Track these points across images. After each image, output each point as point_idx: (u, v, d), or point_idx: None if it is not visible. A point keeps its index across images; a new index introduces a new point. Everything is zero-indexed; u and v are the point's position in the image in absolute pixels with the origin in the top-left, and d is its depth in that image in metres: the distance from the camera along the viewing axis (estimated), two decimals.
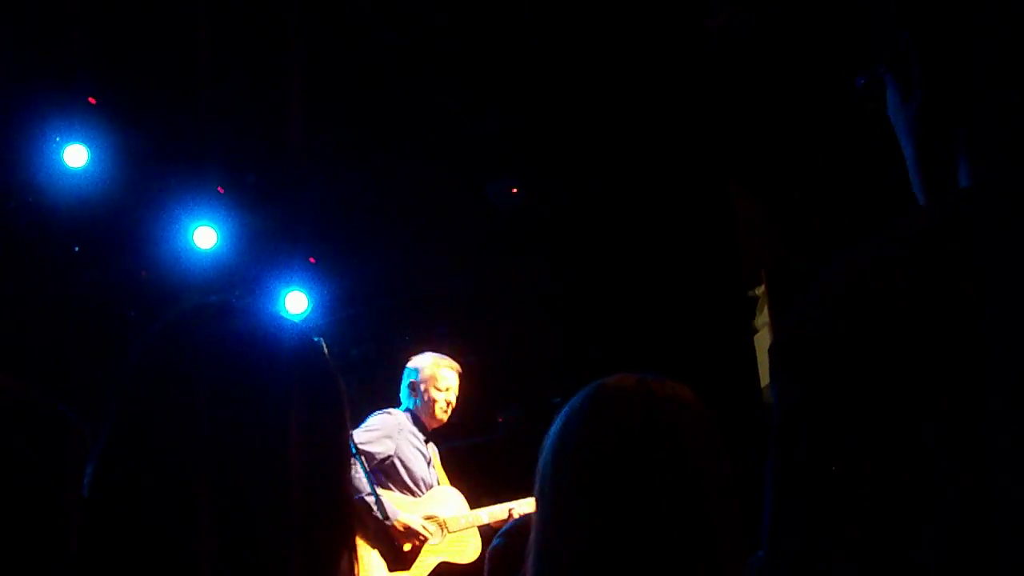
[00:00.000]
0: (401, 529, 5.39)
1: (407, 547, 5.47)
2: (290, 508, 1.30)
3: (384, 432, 5.62)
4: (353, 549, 1.38)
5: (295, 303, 7.03)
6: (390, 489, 5.55)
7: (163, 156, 6.44)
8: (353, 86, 6.21)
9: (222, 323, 1.38)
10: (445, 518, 5.65)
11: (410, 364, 5.94)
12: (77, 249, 6.53)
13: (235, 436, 1.30)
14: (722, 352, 6.52)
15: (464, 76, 6.20)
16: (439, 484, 5.85)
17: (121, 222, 6.54)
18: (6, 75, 5.70)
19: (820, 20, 5.03)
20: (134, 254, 6.69)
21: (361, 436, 5.48)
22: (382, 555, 5.43)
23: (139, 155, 6.37)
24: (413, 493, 5.66)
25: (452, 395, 5.85)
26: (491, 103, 6.45)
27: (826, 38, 4.94)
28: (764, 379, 6.38)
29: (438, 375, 5.83)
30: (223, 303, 1.42)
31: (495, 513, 5.71)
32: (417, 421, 5.82)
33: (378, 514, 5.29)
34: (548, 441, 1.70)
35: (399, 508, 5.45)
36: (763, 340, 6.60)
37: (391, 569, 5.44)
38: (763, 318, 6.66)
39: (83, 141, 6.19)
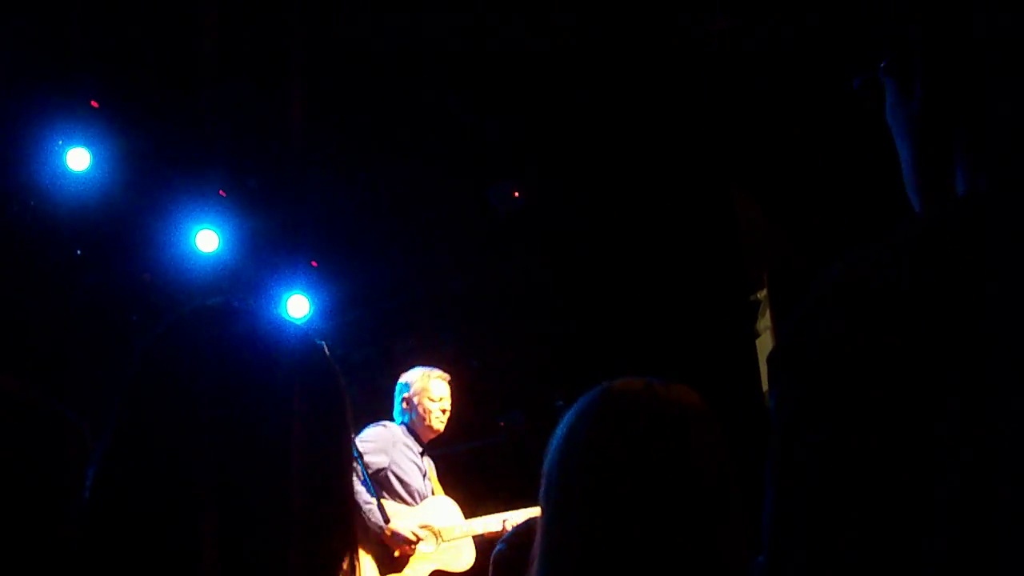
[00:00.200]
0: (392, 536, 5.42)
1: (397, 553, 5.50)
2: (292, 510, 1.30)
3: (379, 445, 5.65)
4: (355, 552, 1.38)
5: (297, 307, 7.04)
6: (385, 499, 5.57)
7: (165, 159, 6.44)
8: (355, 90, 6.22)
9: (224, 325, 1.38)
10: (439, 528, 5.68)
11: (401, 379, 5.98)
12: (79, 252, 6.53)
13: (237, 438, 1.30)
14: (724, 356, 6.52)
15: (466, 80, 6.20)
16: (434, 495, 5.89)
17: (123, 225, 6.54)
18: (9, 78, 5.71)
19: (822, 25, 5.03)
20: (136, 257, 6.69)
21: (356, 448, 5.49)
22: (375, 560, 5.45)
23: (141, 158, 6.38)
24: (408, 504, 5.68)
25: (446, 403, 5.89)
26: (493, 107, 6.45)
27: (828, 43, 4.94)
28: (766, 383, 6.37)
29: (429, 386, 5.87)
30: (224, 305, 1.42)
31: (489, 524, 5.75)
32: (412, 434, 5.86)
33: (374, 519, 5.32)
34: (554, 444, 1.70)
35: (394, 516, 5.47)
36: (765, 344, 6.61)
37: (382, 574, 5.46)
38: (765, 322, 6.66)
39: (86, 144, 6.19)
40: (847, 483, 0.92)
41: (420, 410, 5.82)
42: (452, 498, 5.94)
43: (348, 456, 1.45)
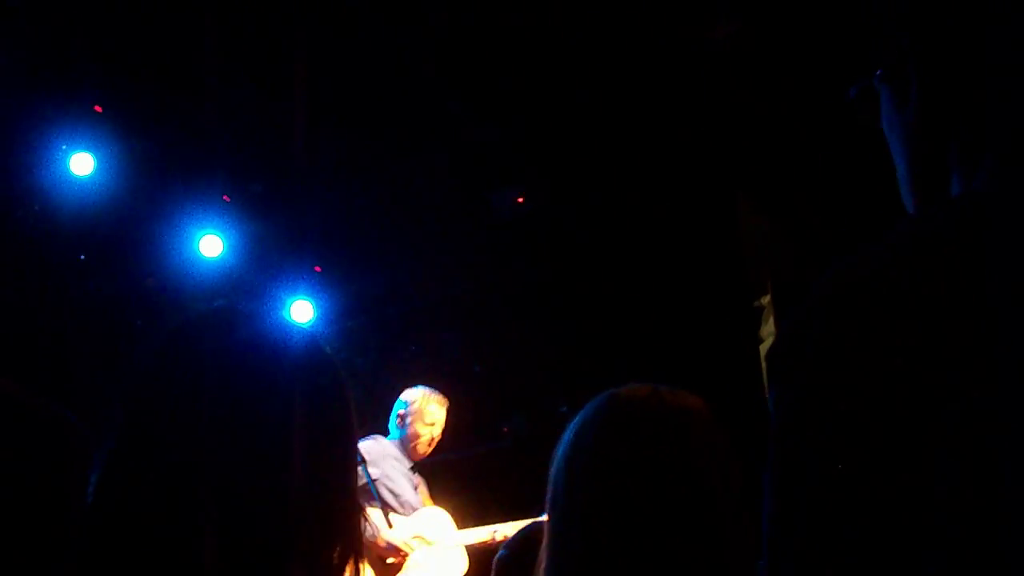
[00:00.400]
0: (386, 545, 5.48)
1: (391, 561, 5.56)
2: (295, 515, 1.30)
3: (370, 457, 5.71)
4: (360, 557, 1.38)
5: (300, 312, 7.04)
6: (375, 507, 5.60)
7: (169, 164, 6.44)
8: (359, 96, 6.22)
9: (228, 329, 1.37)
10: (432, 538, 5.71)
11: (402, 396, 6.07)
12: (83, 257, 6.53)
13: (240, 442, 1.30)
14: (728, 362, 6.52)
15: (469, 86, 6.20)
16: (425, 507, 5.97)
17: (127, 230, 6.55)
18: (12, 83, 5.71)
19: (824, 32, 5.03)
20: (140, 262, 6.70)
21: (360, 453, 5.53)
22: (369, 564, 5.49)
23: (145, 163, 6.38)
24: (400, 515, 5.72)
25: (437, 430, 5.99)
26: (496, 113, 6.45)
27: (830, 50, 4.94)
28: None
29: (425, 409, 5.97)
30: (229, 309, 1.42)
31: (480, 534, 5.82)
32: (403, 450, 5.95)
33: (368, 525, 5.34)
34: (560, 450, 1.70)
35: (386, 524, 5.52)
36: None
37: None
38: (769, 328, 6.66)
39: (89, 149, 6.19)
40: (846, 482, 0.92)
41: (411, 430, 5.95)
42: (456, 504, 5.98)
43: (352, 460, 1.45)
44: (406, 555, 5.55)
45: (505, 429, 7.69)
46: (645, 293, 6.88)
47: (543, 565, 1.67)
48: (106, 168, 6.27)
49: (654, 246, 6.84)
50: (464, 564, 5.77)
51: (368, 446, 5.78)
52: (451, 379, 6.20)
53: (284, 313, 6.71)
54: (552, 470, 1.70)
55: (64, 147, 6.14)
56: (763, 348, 6.64)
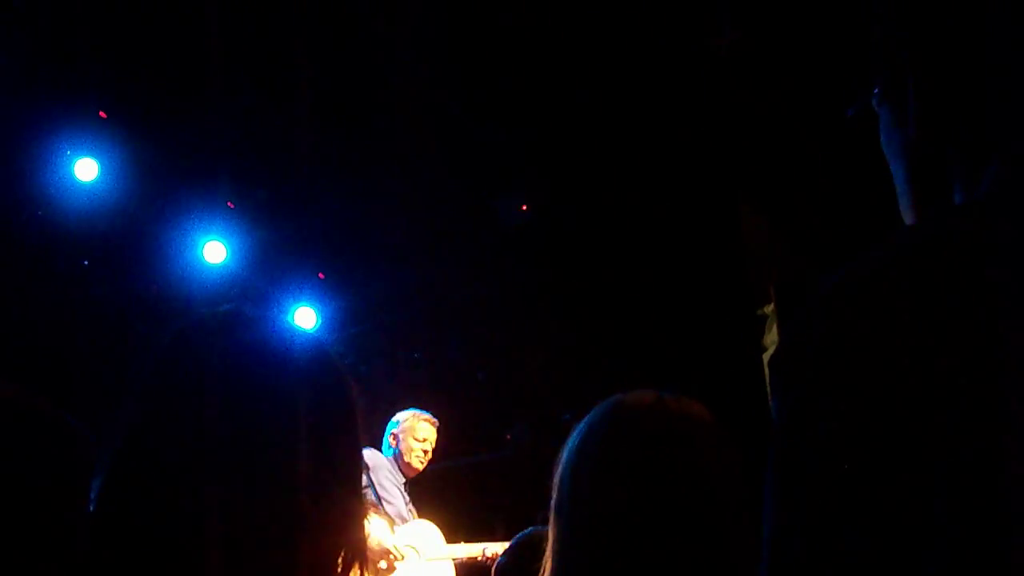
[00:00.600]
0: (377, 549, 5.55)
1: (382, 564, 5.62)
2: (299, 519, 1.30)
3: (368, 465, 5.73)
4: (364, 562, 1.38)
5: (304, 319, 7.05)
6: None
7: (173, 170, 6.45)
8: (363, 103, 6.23)
9: (233, 332, 1.37)
10: (421, 548, 5.79)
11: (393, 418, 6.17)
12: (87, 263, 6.54)
13: (245, 446, 1.29)
14: (731, 370, 6.52)
15: (473, 93, 6.21)
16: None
17: (131, 236, 6.56)
18: (17, 88, 5.72)
19: (826, 38, 5.04)
20: (144, 268, 6.71)
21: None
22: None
23: (149, 169, 6.39)
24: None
25: (428, 446, 6.08)
26: (501, 120, 6.46)
27: (832, 56, 4.94)
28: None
29: (416, 426, 6.07)
30: (235, 312, 1.41)
31: (470, 550, 5.90)
32: (396, 466, 6.03)
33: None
34: (565, 457, 1.70)
35: (378, 531, 5.59)
36: None
37: None
38: (772, 336, 6.66)
39: (94, 155, 6.21)
40: (847, 486, 0.92)
41: (404, 446, 6.03)
42: (456, 512, 6.04)
43: (358, 465, 1.45)
44: (395, 561, 5.60)
45: (508, 436, 7.70)
46: (649, 301, 6.88)
47: (547, 572, 1.66)
48: (110, 174, 6.28)
49: (658, 254, 6.85)
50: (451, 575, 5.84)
51: (367, 454, 5.81)
52: (454, 386, 6.22)
53: (287, 319, 6.72)
54: (557, 476, 1.70)
55: (68, 152, 6.16)
56: (766, 356, 6.64)
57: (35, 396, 1.44)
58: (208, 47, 5.39)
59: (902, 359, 0.92)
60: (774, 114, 5.83)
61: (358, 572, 1.36)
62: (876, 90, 1.20)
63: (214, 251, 6.75)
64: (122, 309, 6.61)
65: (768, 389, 1.03)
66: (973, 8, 1.07)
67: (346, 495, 1.38)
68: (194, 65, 5.53)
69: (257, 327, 1.39)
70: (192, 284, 6.67)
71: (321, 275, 7.30)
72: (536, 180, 7.04)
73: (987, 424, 0.88)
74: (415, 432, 6.03)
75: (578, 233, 7.09)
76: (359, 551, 1.37)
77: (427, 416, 6.12)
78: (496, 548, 5.68)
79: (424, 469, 6.08)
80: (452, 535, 5.95)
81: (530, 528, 2.93)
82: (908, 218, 1.20)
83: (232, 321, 1.40)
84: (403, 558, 5.63)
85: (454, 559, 5.87)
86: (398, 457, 6.02)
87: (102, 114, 6.15)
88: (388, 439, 6.10)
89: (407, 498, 6.02)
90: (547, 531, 1.71)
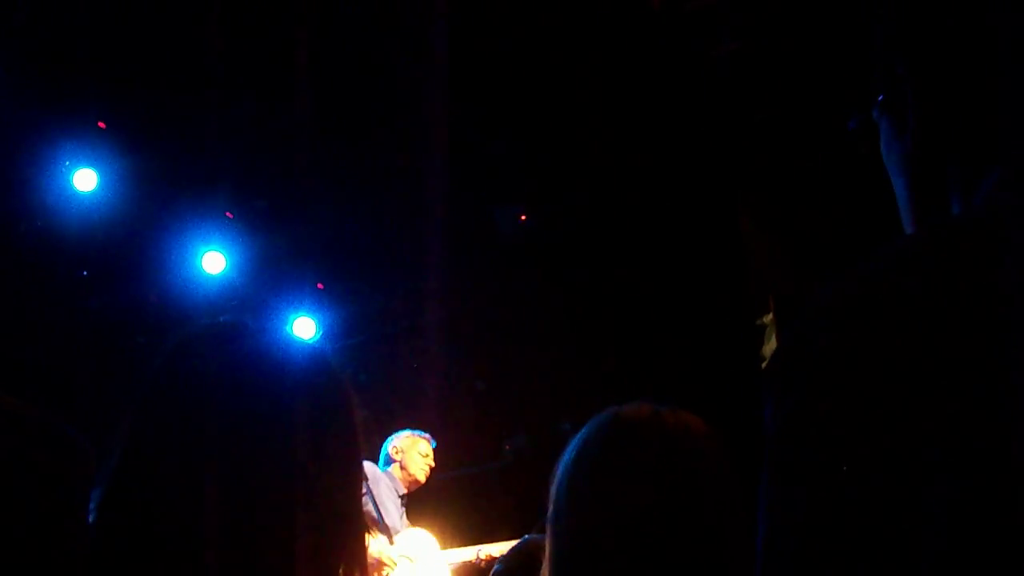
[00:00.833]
0: (375, 560, 5.55)
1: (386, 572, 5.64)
2: (298, 529, 1.30)
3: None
4: (364, 571, 1.38)
5: (304, 329, 7.04)
6: None
7: (172, 181, 6.45)
8: (362, 113, 6.23)
9: (233, 343, 1.38)
10: (416, 556, 5.79)
11: (391, 437, 6.19)
12: (86, 273, 6.54)
13: (244, 457, 1.29)
14: (730, 381, 6.51)
15: (473, 103, 6.21)
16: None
17: (130, 247, 6.56)
18: (16, 99, 5.73)
19: (826, 48, 5.04)
20: (143, 278, 6.71)
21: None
22: None
23: (148, 180, 6.39)
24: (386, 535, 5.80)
25: (431, 460, 6.13)
26: (500, 130, 6.46)
27: (832, 66, 4.95)
28: None
29: (418, 443, 6.13)
30: (235, 323, 1.42)
31: (464, 555, 5.90)
32: (395, 480, 6.05)
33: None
34: (561, 469, 1.70)
35: (375, 541, 5.60)
36: None
37: None
38: (771, 346, 6.65)
39: (93, 165, 6.21)
40: (842, 496, 0.92)
41: (406, 460, 6.06)
42: (455, 522, 6.04)
43: (358, 476, 1.45)
44: (390, 570, 5.61)
45: (507, 446, 7.69)
46: (648, 311, 6.88)
47: None
48: (109, 184, 6.28)
49: (657, 264, 6.85)
50: None
51: (366, 467, 5.83)
52: (453, 396, 6.21)
53: (288, 330, 6.72)
54: (553, 488, 1.70)
55: (68, 163, 6.16)
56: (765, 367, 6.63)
57: (33, 406, 1.43)
58: (207, 57, 5.40)
59: (900, 368, 0.92)
60: (774, 124, 5.83)
61: None
62: (878, 101, 1.20)
63: (213, 261, 6.75)
64: (121, 319, 6.61)
65: (762, 396, 1.02)
66: (972, 20, 1.08)
67: (347, 506, 1.38)
68: (193, 75, 5.54)
69: (257, 338, 1.40)
70: (191, 294, 6.67)
71: (320, 285, 7.30)
72: (535, 190, 7.04)
73: (989, 434, 0.88)
74: (418, 447, 6.08)
75: (577, 243, 7.09)
76: (359, 563, 1.37)
77: (425, 436, 6.17)
78: (490, 550, 5.72)
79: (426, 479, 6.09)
80: (451, 545, 5.96)
81: (527, 536, 2.93)
82: (909, 229, 1.20)
83: (232, 332, 1.40)
84: (394, 566, 5.64)
85: (449, 564, 5.88)
86: (396, 472, 6.04)
87: (101, 124, 6.16)
88: (389, 451, 6.11)
89: (403, 511, 6.03)
90: (544, 539, 1.71)
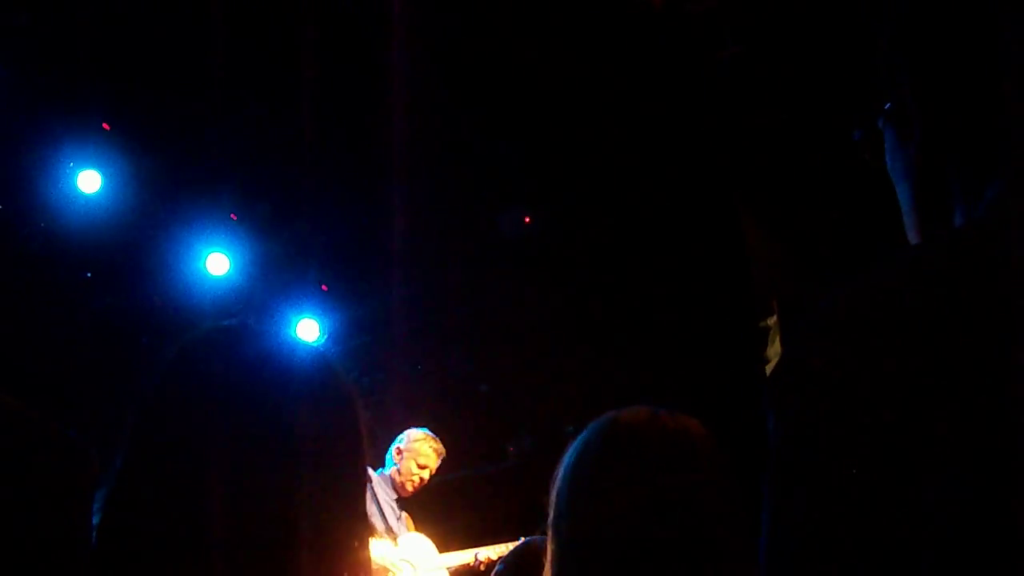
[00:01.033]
0: (377, 567, 5.56)
1: None
2: (302, 533, 1.30)
3: None
4: (368, 574, 1.38)
5: (307, 331, 7.04)
6: None
7: (176, 183, 6.46)
8: (366, 115, 6.24)
9: (237, 346, 1.38)
10: (415, 561, 5.80)
11: (403, 432, 6.11)
12: (90, 275, 6.55)
13: (248, 461, 1.30)
14: (733, 383, 6.51)
15: (476, 106, 6.22)
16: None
17: (134, 248, 6.56)
18: (21, 101, 5.73)
19: (828, 52, 5.04)
20: (147, 280, 6.71)
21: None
22: None
23: (152, 181, 6.40)
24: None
25: (427, 473, 6.01)
26: (503, 133, 6.46)
27: (835, 70, 4.95)
28: None
29: (422, 450, 6.00)
30: (240, 326, 1.42)
31: (463, 558, 5.89)
32: (392, 483, 6.00)
33: None
34: (561, 473, 1.70)
35: (373, 547, 5.57)
36: None
37: None
38: (775, 348, 6.64)
39: (97, 167, 6.22)
40: (843, 505, 0.92)
41: (403, 466, 5.98)
42: (460, 523, 6.02)
43: (362, 481, 1.45)
44: (392, 575, 5.61)
45: (511, 449, 7.69)
46: (651, 314, 6.88)
47: None
48: (113, 186, 6.29)
49: (660, 267, 6.84)
50: None
51: None
52: (457, 398, 6.20)
53: (292, 332, 6.72)
54: (553, 492, 1.70)
55: (71, 164, 6.16)
56: (768, 368, 6.63)
57: (36, 409, 1.44)
58: (211, 59, 5.40)
59: (904, 377, 0.92)
60: (777, 127, 5.83)
61: None
62: (883, 110, 1.21)
63: (217, 263, 6.75)
64: (125, 321, 6.61)
65: (766, 402, 1.03)
66: (976, 30, 1.08)
67: (350, 512, 1.39)
68: (197, 77, 5.54)
69: (261, 340, 1.40)
70: (195, 296, 6.68)
71: (324, 287, 7.30)
72: (539, 192, 7.05)
73: (990, 440, 0.88)
74: (418, 456, 5.96)
75: (581, 245, 7.09)
76: (363, 567, 1.37)
77: (437, 444, 6.04)
78: (488, 552, 5.73)
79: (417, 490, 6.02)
80: (452, 547, 5.95)
81: (528, 538, 2.94)
82: (912, 237, 1.20)
83: (236, 335, 1.40)
84: (396, 572, 5.63)
85: (448, 568, 5.88)
86: (395, 473, 5.98)
87: (105, 126, 6.16)
88: (392, 452, 6.05)
89: (398, 513, 5.99)
90: (545, 542, 1.71)
